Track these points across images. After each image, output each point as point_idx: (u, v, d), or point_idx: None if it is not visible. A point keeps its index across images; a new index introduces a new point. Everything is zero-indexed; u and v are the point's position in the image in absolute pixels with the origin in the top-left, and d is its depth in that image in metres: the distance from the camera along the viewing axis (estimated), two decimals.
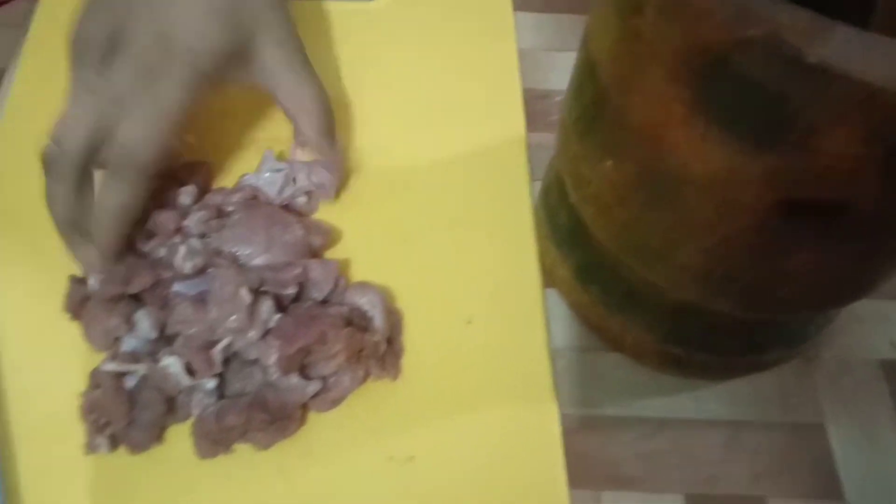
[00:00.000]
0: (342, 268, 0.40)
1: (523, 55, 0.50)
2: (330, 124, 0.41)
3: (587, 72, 0.30)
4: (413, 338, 0.38)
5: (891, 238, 0.27)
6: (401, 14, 0.50)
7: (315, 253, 0.39)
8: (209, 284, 0.35)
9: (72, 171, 0.35)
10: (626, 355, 0.38)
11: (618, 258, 0.33)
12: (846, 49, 0.21)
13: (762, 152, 0.24)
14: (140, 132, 0.35)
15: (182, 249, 0.36)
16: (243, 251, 0.37)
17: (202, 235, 0.38)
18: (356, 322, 0.36)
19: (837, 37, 0.22)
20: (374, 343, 0.35)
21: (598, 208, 0.33)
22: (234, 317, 0.34)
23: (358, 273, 0.40)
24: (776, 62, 0.22)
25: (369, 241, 0.41)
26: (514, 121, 0.46)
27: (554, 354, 0.39)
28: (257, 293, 0.35)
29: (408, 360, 0.37)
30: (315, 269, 0.37)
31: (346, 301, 0.37)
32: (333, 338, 0.34)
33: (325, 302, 0.37)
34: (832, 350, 0.40)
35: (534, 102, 0.47)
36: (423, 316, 0.39)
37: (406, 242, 0.41)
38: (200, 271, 0.36)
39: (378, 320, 0.36)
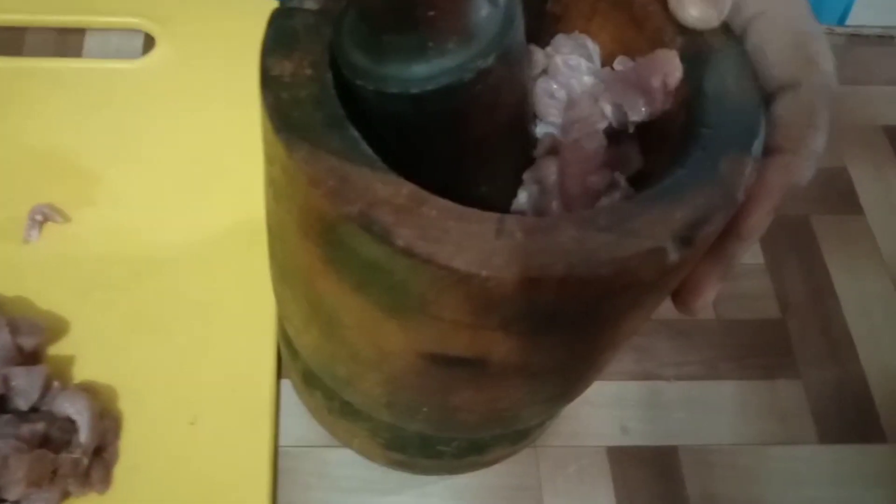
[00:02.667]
0: (64, 366, 0.38)
1: None
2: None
3: (266, 202, 0.29)
4: (132, 442, 0.36)
5: (542, 379, 0.27)
6: (167, 74, 0.48)
7: (29, 355, 0.37)
8: None
9: None
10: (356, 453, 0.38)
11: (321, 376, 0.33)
12: (435, 229, 0.21)
13: (391, 314, 0.24)
14: None
15: None
16: None
17: None
18: (55, 437, 0.34)
19: (431, 213, 0.21)
20: (72, 460, 0.34)
21: (293, 329, 0.32)
22: None
23: (83, 371, 0.38)
24: (372, 240, 0.21)
25: (102, 334, 0.39)
26: None
27: (282, 452, 0.38)
28: None
29: (123, 468, 0.36)
30: (19, 377, 0.35)
31: (54, 409, 0.36)
32: (16, 463, 0.32)
33: (33, 411, 0.36)
34: (560, 438, 0.40)
35: None
36: (145, 417, 0.37)
37: (143, 334, 0.39)
38: None
39: (84, 432, 0.35)
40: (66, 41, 0.49)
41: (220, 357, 0.39)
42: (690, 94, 0.25)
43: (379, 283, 0.22)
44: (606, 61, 0.29)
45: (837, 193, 0.48)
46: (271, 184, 0.26)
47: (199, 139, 0.46)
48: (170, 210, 0.43)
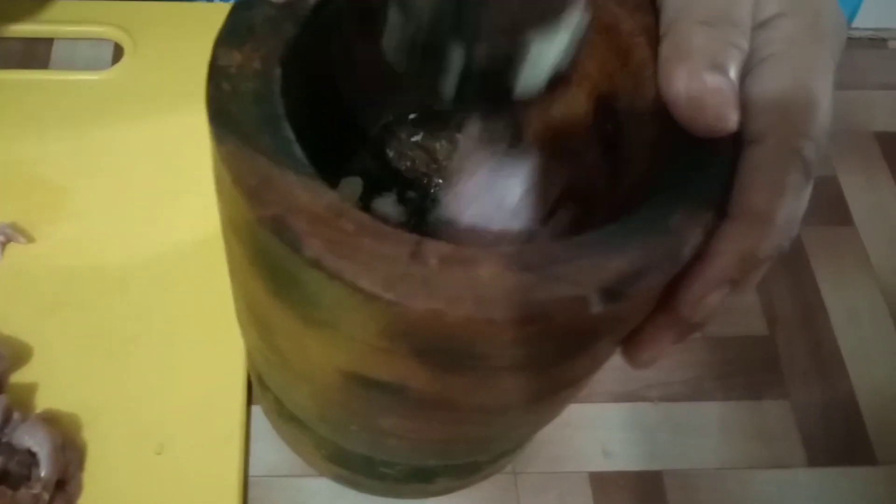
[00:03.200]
0: (26, 394, 0.37)
1: None
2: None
3: None
4: (96, 474, 0.35)
5: (467, 418, 0.26)
6: (133, 86, 0.46)
7: None
8: None
9: None
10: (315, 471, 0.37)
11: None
12: (347, 245, 0.20)
13: (309, 326, 0.22)
14: None
15: None
16: None
17: None
18: (15, 471, 0.33)
19: (347, 227, 0.20)
20: (31, 496, 0.33)
21: (241, 327, 0.31)
22: None
23: (46, 398, 0.37)
24: (283, 247, 0.20)
25: (66, 360, 0.38)
26: None
27: (253, 482, 0.37)
28: None
29: (87, 502, 0.35)
30: None
31: (14, 441, 0.34)
32: None
33: None
34: (540, 463, 0.39)
35: None
36: (110, 447, 0.36)
37: (108, 358, 0.38)
38: None
39: (44, 466, 0.33)
40: (33, 51, 0.47)
41: (187, 381, 0.38)
42: (660, 135, 0.23)
43: (295, 293, 0.22)
44: (591, 93, 0.28)
45: (827, 203, 0.47)
46: (217, 182, 0.25)
47: (167, 152, 0.44)
48: (136, 227, 0.42)
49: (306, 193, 0.20)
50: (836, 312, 0.44)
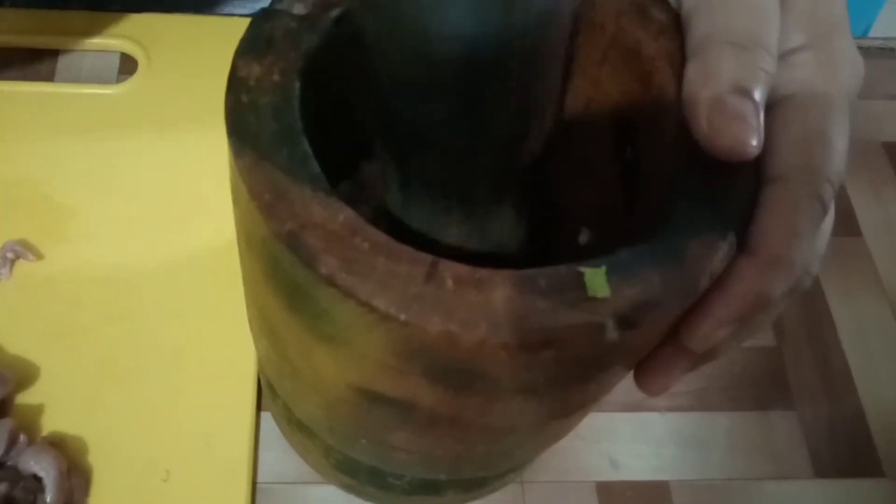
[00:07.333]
0: (32, 416, 0.35)
1: None
2: None
3: None
4: (103, 499, 0.33)
5: (478, 437, 0.25)
6: (147, 100, 0.43)
7: None
8: None
9: None
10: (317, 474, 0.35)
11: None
12: (362, 263, 0.18)
13: (321, 340, 0.21)
14: None
15: None
16: None
17: None
18: (20, 497, 0.31)
19: (362, 245, 0.18)
20: None
21: (252, 334, 0.29)
22: None
23: (52, 421, 0.34)
24: (298, 263, 0.19)
25: (73, 382, 0.35)
26: None
27: (260, 489, 0.35)
28: None
29: None
30: None
31: (20, 465, 0.32)
32: None
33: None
34: (548, 473, 0.37)
35: None
36: (116, 473, 0.34)
37: (116, 379, 0.36)
38: None
39: (49, 492, 0.31)
40: (36, 63, 0.45)
41: (194, 406, 0.35)
42: (685, 159, 0.21)
43: (308, 308, 0.20)
44: (612, 116, 0.26)
45: (835, 214, 0.44)
46: (231, 187, 0.23)
47: (179, 170, 0.41)
48: (146, 246, 0.39)
49: (322, 210, 0.19)
50: (844, 325, 0.41)
